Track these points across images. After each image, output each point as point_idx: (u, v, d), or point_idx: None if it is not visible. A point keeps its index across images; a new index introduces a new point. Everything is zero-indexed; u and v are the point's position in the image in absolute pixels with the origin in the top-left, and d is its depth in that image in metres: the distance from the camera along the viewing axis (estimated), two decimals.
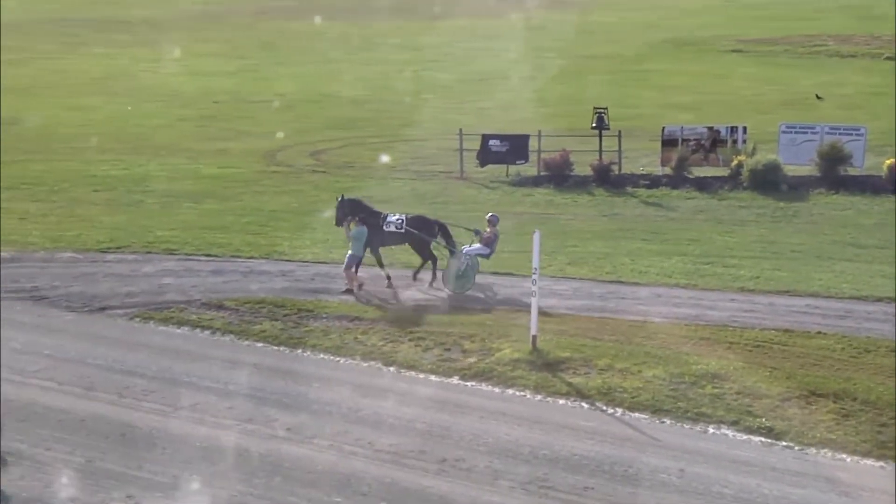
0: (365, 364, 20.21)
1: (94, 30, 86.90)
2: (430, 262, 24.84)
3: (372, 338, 21.23)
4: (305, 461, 16.12)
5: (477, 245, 24.75)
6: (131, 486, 15.33)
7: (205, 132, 46.65)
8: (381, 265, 24.75)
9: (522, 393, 18.90)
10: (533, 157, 37.35)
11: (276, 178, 37.14)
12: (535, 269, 20.49)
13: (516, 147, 37.61)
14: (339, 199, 25.18)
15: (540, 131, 37.86)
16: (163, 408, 17.94)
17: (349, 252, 24.15)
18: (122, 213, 31.74)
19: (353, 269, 24.12)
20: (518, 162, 37.54)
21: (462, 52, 72.36)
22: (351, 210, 24.68)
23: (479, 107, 52.21)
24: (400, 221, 24.63)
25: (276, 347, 21.06)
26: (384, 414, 17.81)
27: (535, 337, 20.40)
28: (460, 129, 38.32)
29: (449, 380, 19.48)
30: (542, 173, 36.73)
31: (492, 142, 37.84)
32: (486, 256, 24.76)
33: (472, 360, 20.07)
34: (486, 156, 37.75)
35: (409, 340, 21.05)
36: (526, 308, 21.13)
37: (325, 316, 22.56)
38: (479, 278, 24.40)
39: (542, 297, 21.21)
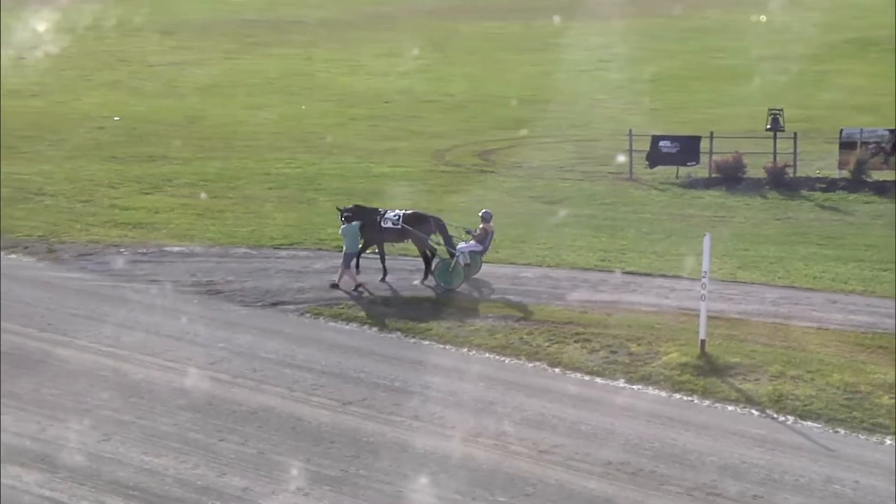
0: (530, 364, 20.22)
1: (271, 30, 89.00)
2: (426, 259, 24.89)
3: (537, 338, 21.20)
4: (470, 460, 16.20)
5: (471, 242, 24.81)
6: (301, 478, 15.66)
7: (376, 131, 47.30)
8: (382, 260, 25.02)
9: (690, 398, 18.63)
10: (704, 158, 36.73)
11: (444, 177, 37.43)
12: (705, 272, 20.14)
13: (687, 148, 37.04)
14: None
15: (712, 133, 37.19)
16: (331, 402, 18.29)
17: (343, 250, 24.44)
18: (295, 211, 32.44)
19: (347, 267, 24.20)
20: (689, 163, 36.95)
21: (634, 53, 71.56)
22: (350, 208, 25.05)
23: (650, 107, 51.58)
24: (396, 217, 24.82)
25: (441, 346, 21.22)
26: (548, 414, 17.78)
27: (703, 341, 20.07)
28: (630, 130, 37.98)
29: (614, 382, 19.33)
30: (713, 175, 36.09)
31: (662, 143, 37.37)
32: (481, 253, 24.90)
33: (638, 363, 19.87)
34: (655, 157, 37.29)
35: (575, 342, 20.94)
36: (694, 312, 20.78)
37: (491, 315, 22.63)
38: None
39: (711, 301, 20.87)
